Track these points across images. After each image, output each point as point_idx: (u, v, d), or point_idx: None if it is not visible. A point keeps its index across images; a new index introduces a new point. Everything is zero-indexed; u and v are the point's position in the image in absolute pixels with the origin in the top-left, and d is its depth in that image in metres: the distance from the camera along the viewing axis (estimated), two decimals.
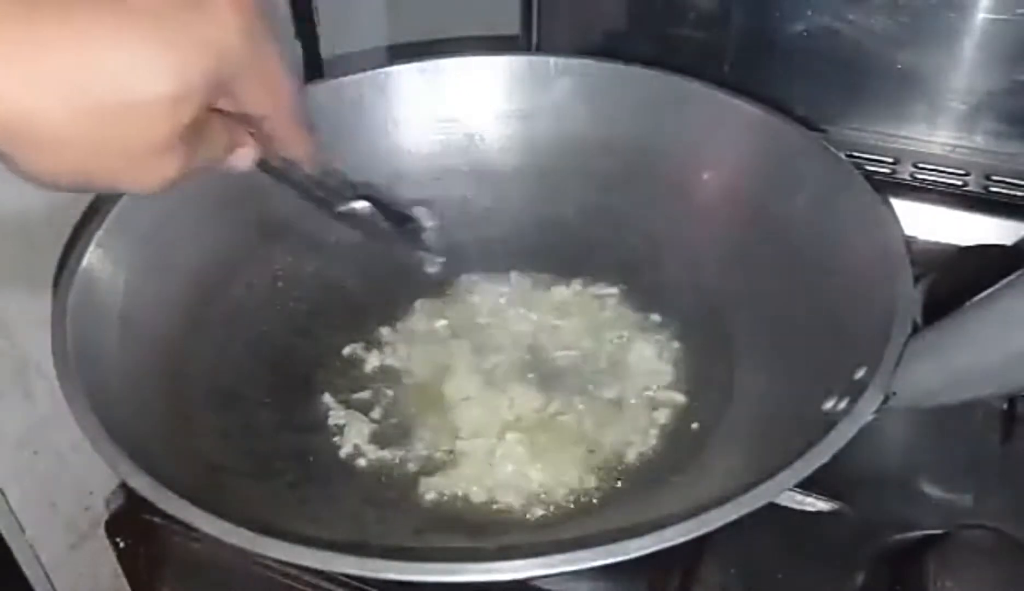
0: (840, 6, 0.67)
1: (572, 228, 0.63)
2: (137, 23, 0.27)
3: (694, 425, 0.52)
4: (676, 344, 0.57)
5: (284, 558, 0.34)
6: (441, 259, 0.56)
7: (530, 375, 0.55)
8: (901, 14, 0.66)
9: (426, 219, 0.55)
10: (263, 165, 0.39)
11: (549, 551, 0.34)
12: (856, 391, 0.40)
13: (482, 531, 0.47)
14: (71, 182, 0.29)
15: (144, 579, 0.56)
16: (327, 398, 0.55)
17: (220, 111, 0.33)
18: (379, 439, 0.53)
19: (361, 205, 0.47)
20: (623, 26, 0.77)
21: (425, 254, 0.55)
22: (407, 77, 0.62)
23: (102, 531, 0.56)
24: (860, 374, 0.41)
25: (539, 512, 0.48)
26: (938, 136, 0.70)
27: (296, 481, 0.48)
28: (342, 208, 0.46)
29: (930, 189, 0.69)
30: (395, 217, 0.50)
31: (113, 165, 0.29)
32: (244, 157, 0.37)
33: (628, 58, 0.62)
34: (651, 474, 0.50)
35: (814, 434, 0.38)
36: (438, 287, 0.61)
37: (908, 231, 0.48)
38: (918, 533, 0.49)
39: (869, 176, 0.52)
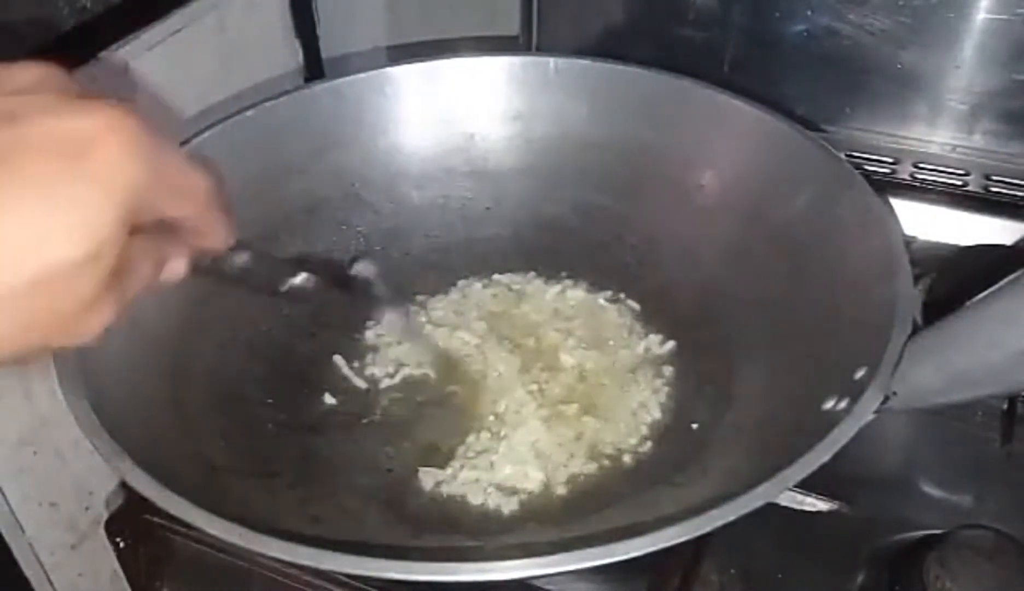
0: (840, 6, 0.67)
1: (571, 228, 0.63)
2: (29, 192, 0.25)
3: (694, 425, 0.52)
4: (676, 344, 0.57)
5: (284, 557, 0.34)
6: (398, 307, 0.54)
7: (529, 376, 0.55)
8: (901, 14, 0.66)
9: (369, 272, 0.53)
10: (194, 268, 0.37)
11: (549, 551, 0.34)
12: (856, 391, 0.39)
13: (482, 531, 0.47)
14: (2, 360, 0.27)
15: (144, 579, 0.56)
16: (327, 398, 0.55)
17: (139, 232, 0.31)
18: (379, 439, 0.53)
19: (302, 278, 0.45)
20: (623, 26, 0.77)
21: (380, 307, 0.53)
22: (407, 77, 0.62)
23: (102, 531, 0.56)
24: (860, 374, 0.41)
25: (539, 512, 0.48)
26: (938, 136, 0.70)
27: (296, 481, 0.48)
28: (283, 287, 0.45)
29: (930, 189, 0.69)
30: (339, 280, 0.49)
31: (43, 333, 0.27)
32: (176, 268, 0.35)
33: (628, 58, 0.62)
34: (651, 474, 0.50)
35: (814, 434, 0.38)
36: (438, 287, 0.61)
37: (908, 231, 0.49)
38: (918, 533, 0.50)
39: (869, 176, 0.52)
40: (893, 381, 0.40)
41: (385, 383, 0.56)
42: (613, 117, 0.62)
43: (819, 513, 0.48)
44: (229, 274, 0.41)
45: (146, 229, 0.31)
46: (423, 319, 0.60)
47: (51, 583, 0.63)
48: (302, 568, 0.47)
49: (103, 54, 0.58)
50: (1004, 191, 0.68)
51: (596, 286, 0.61)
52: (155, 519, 0.52)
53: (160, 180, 0.29)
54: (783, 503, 0.47)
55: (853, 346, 0.44)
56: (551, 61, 0.63)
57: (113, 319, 0.29)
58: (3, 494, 0.57)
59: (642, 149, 0.61)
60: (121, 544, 0.55)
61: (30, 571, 0.61)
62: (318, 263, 0.48)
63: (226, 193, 0.35)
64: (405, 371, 0.57)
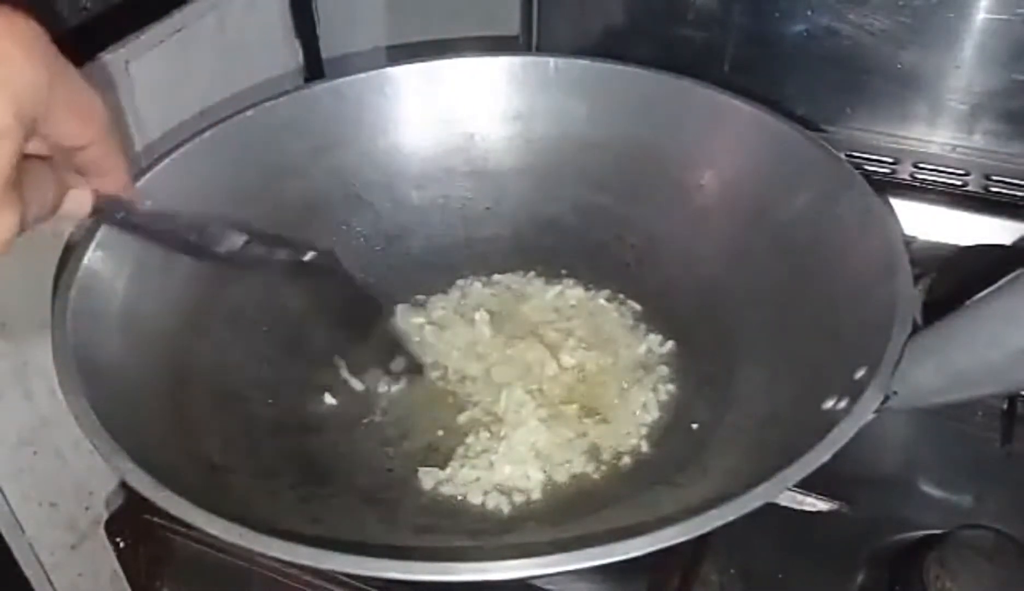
0: (840, 6, 0.67)
1: (571, 228, 0.63)
2: None
3: (694, 425, 0.52)
4: (676, 344, 0.57)
5: (284, 557, 0.34)
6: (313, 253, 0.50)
7: (529, 376, 0.55)
8: (901, 14, 0.66)
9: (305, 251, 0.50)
10: (110, 219, 0.38)
11: (549, 551, 0.34)
12: (856, 391, 0.39)
13: (482, 530, 0.47)
14: None
15: (144, 579, 0.56)
16: (327, 398, 0.55)
17: (40, 158, 0.32)
18: (379, 439, 0.53)
19: (241, 239, 0.45)
20: (623, 26, 0.77)
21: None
22: (407, 77, 0.62)
23: (102, 531, 0.56)
24: (860, 374, 0.41)
25: (539, 512, 0.48)
26: (938, 136, 0.70)
27: (296, 481, 0.48)
28: (220, 249, 0.45)
29: (930, 189, 0.69)
30: (276, 246, 0.48)
31: None
32: (80, 200, 0.36)
33: (628, 58, 0.62)
34: (651, 474, 0.50)
35: (814, 434, 0.38)
36: (438, 287, 0.61)
37: (908, 231, 0.48)
38: (918, 533, 0.50)
39: (869, 176, 0.52)
40: (893, 381, 0.40)
41: (385, 383, 0.56)
42: (613, 117, 0.62)
43: (819, 513, 0.48)
44: (160, 232, 0.42)
45: (48, 159, 0.32)
46: (422, 319, 0.60)
47: (51, 583, 0.63)
48: (302, 568, 0.47)
49: (103, 54, 0.58)
50: (1004, 191, 0.68)
51: (596, 286, 0.61)
52: (155, 519, 0.52)
53: (58, 91, 0.30)
54: (783, 503, 0.47)
55: (853, 346, 0.44)
56: (551, 61, 0.63)
57: (14, 232, 0.30)
58: (3, 494, 0.57)
59: (642, 149, 0.61)
60: (121, 544, 0.55)
61: (30, 571, 0.61)
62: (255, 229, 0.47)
63: (123, 137, 0.35)
64: (405, 371, 0.57)
